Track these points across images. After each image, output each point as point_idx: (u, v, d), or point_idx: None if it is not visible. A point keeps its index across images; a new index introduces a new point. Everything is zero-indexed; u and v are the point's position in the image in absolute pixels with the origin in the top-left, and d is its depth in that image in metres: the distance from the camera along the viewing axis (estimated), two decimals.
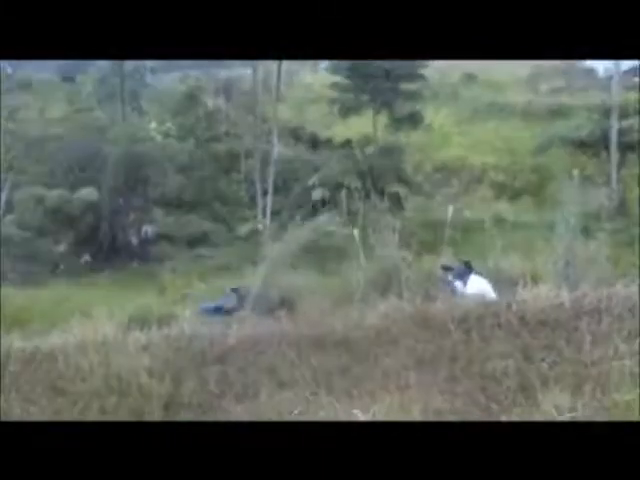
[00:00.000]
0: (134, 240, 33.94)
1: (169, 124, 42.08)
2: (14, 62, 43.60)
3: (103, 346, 8.53)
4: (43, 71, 44.73)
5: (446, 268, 11.91)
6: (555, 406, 3.84)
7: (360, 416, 3.36)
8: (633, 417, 3.86)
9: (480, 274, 11.07)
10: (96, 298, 21.24)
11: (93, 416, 7.56)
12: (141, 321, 10.08)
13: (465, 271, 10.97)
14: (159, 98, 44.54)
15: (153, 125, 41.55)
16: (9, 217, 33.49)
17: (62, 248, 33.58)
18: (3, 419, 7.10)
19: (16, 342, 8.97)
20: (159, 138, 39.97)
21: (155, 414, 7.11)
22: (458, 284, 10.72)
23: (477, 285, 10.72)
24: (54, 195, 33.41)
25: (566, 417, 3.63)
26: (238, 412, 6.93)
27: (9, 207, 33.47)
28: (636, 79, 44.66)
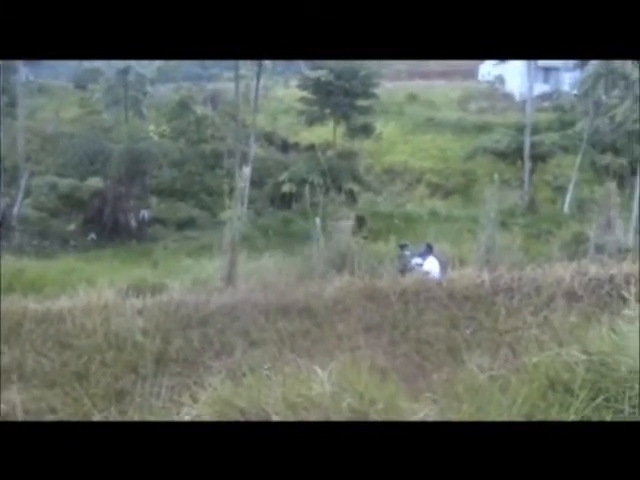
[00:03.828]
0: (133, 222, 33.55)
1: (164, 127, 41.56)
2: (35, 69, 42.53)
3: (104, 309, 8.41)
4: (59, 79, 43.71)
5: (402, 246, 11.84)
6: (477, 366, 3.84)
7: (320, 372, 3.15)
8: (539, 378, 3.57)
9: (436, 257, 10.94)
10: (100, 270, 20.94)
11: (95, 368, 7.43)
12: (137, 289, 9.93)
13: (426, 251, 10.88)
14: (157, 105, 43.87)
15: (151, 127, 41.02)
16: (27, 200, 32.94)
17: (72, 227, 33.13)
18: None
19: (31, 304, 8.82)
20: (156, 138, 39.45)
21: (147, 367, 7.02)
22: (417, 260, 10.64)
23: (431, 265, 10.65)
24: (65, 183, 32.97)
25: (486, 375, 3.63)
26: (217, 366, 6.86)
27: (27, 192, 32.90)
28: (546, 103, 45.33)
